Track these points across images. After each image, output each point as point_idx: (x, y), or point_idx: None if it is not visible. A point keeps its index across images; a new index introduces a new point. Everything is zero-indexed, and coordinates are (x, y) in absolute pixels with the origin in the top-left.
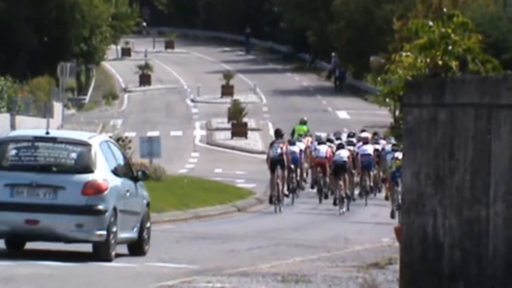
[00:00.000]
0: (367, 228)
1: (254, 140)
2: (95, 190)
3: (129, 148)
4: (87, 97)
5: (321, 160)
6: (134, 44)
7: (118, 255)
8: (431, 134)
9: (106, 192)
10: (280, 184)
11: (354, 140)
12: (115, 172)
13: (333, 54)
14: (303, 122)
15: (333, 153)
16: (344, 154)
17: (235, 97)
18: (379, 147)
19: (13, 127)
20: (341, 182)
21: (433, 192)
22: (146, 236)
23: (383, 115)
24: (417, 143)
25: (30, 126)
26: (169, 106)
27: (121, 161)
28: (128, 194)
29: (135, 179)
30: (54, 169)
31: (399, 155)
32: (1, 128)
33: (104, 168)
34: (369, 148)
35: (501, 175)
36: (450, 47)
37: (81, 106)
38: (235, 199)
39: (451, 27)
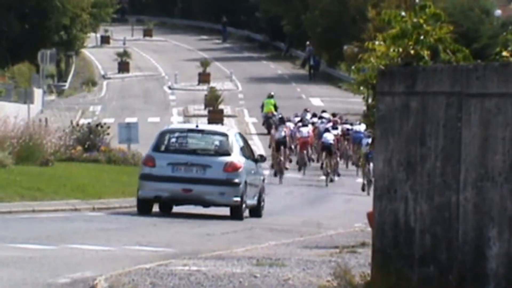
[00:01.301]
0: (339, 213)
1: (230, 127)
2: (233, 168)
3: (108, 134)
4: (67, 84)
5: (305, 139)
6: (113, 32)
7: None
8: (403, 122)
9: (240, 170)
10: (282, 160)
11: (318, 120)
12: (244, 155)
13: (307, 42)
14: (270, 96)
15: (314, 132)
16: (330, 137)
17: (212, 84)
18: (349, 126)
19: None
20: (326, 161)
21: (404, 178)
22: (262, 203)
23: (356, 103)
24: (389, 130)
25: (11, 111)
26: (147, 93)
27: (247, 148)
28: (252, 171)
29: (256, 161)
30: (203, 152)
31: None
32: None
33: (237, 152)
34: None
35: (471, 162)
36: (422, 37)
37: (61, 92)
38: None
39: (423, 17)
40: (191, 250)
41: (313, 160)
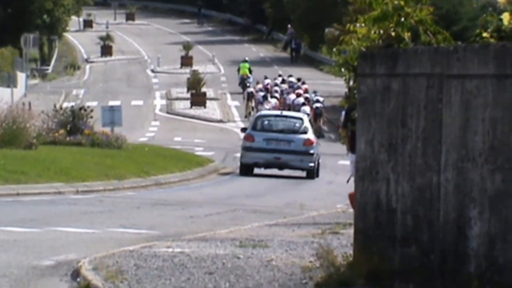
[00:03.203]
0: (322, 194)
1: (213, 109)
2: (310, 143)
3: (91, 117)
4: (50, 68)
5: (274, 108)
6: (96, 16)
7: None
8: (384, 103)
9: (314, 144)
10: None
11: (320, 99)
12: (314, 133)
13: (289, 25)
14: (245, 61)
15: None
16: (307, 109)
17: (194, 67)
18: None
19: None
20: None
21: (386, 160)
22: (318, 167)
23: (337, 85)
24: (371, 112)
25: None
26: (130, 76)
27: (312, 127)
28: (318, 145)
29: (318, 137)
30: (288, 131)
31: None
32: None
33: (311, 131)
34: (301, 99)
35: (452, 143)
36: (402, 19)
37: (44, 76)
38: (194, 166)
39: None
40: (175, 232)
41: None
